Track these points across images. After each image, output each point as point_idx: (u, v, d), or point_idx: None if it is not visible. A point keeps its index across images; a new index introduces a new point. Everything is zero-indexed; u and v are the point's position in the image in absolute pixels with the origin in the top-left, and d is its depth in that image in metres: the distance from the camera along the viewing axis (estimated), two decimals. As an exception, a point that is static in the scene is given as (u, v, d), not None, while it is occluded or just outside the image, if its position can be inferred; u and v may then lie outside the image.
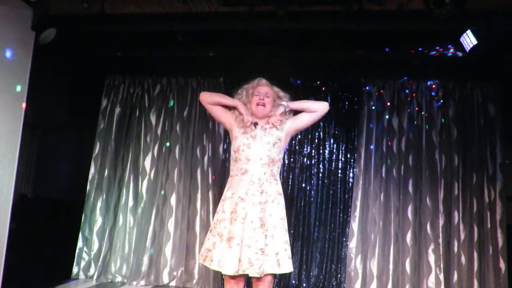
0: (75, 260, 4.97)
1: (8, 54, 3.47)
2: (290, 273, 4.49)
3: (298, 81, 5.02)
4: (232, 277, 2.52)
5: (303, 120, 2.80)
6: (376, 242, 4.61)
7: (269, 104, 2.72)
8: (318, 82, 5.04)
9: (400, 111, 4.77)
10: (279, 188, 2.67)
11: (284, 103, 2.76)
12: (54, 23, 3.82)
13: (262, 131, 2.68)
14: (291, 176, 4.97)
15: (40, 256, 4.80)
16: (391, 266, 4.55)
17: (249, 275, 2.48)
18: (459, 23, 3.69)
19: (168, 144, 5.04)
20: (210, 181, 4.91)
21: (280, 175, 2.79)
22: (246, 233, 2.50)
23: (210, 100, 2.83)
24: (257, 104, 2.70)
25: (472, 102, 4.69)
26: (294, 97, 2.92)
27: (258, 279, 2.51)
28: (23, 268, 4.54)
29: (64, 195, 5.39)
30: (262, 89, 2.75)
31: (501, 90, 4.66)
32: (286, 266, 2.54)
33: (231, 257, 2.47)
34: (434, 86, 4.77)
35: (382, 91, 4.83)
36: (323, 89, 5.04)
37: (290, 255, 2.59)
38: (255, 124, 2.69)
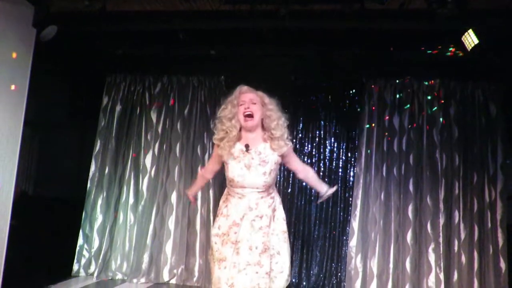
0: (76, 257, 4.99)
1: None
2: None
3: (299, 80, 5.01)
4: None
5: (290, 165, 2.75)
6: (377, 241, 4.61)
7: (257, 112, 2.52)
8: (319, 81, 5.04)
9: (401, 110, 4.77)
10: (275, 204, 2.62)
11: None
12: (55, 21, 3.81)
13: (257, 157, 2.51)
14: (291, 175, 4.97)
15: (41, 253, 4.80)
16: (391, 265, 4.55)
17: None
18: (461, 22, 3.68)
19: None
20: (210, 179, 4.90)
21: (277, 180, 2.74)
22: (247, 258, 2.45)
23: (199, 186, 3.04)
24: (245, 117, 2.50)
25: (473, 102, 4.68)
26: (290, 101, 2.84)
27: None
28: (23, 265, 4.54)
29: (65, 192, 5.39)
30: (246, 96, 2.54)
31: (502, 90, 4.65)
32: (290, 276, 2.60)
33: (220, 278, 2.46)
34: (435, 85, 4.76)
35: (383, 90, 4.82)
36: (324, 88, 5.04)
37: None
38: (247, 146, 2.51)
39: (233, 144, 2.55)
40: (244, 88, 2.59)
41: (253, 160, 2.52)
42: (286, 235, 2.62)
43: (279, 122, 2.54)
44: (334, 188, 2.81)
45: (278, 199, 2.67)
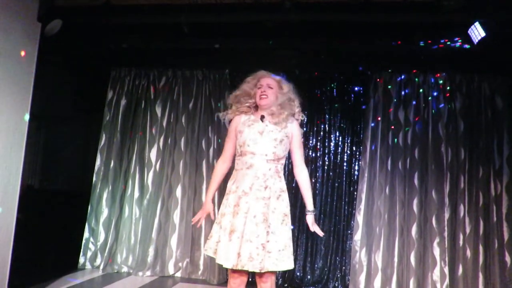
0: (82, 250, 5.02)
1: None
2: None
3: (304, 74, 4.99)
4: (235, 271, 2.52)
5: (291, 154, 2.77)
6: (381, 235, 4.61)
7: (273, 95, 2.68)
8: (324, 75, 5.02)
9: (406, 104, 4.74)
10: (282, 185, 2.66)
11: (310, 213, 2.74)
12: (59, 15, 3.82)
13: (271, 125, 2.65)
14: (296, 169, 4.97)
15: (47, 247, 4.85)
16: (396, 259, 4.55)
17: (249, 270, 2.48)
18: (467, 14, 3.65)
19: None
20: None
21: (284, 171, 2.76)
22: (247, 228, 2.49)
23: (218, 184, 2.96)
24: (261, 97, 2.67)
25: (480, 95, 4.65)
26: (298, 88, 2.85)
27: (260, 274, 2.51)
28: (30, 258, 4.60)
29: (71, 186, 5.43)
30: (264, 80, 2.72)
31: (509, 83, 4.61)
32: (288, 263, 2.54)
33: (231, 250, 2.47)
34: (441, 79, 4.73)
35: (388, 83, 4.79)
36: (329, 81, 5.02)
37: (292, 252, 2.59)
38: (262, 117, 2.66)
39: (246, 114, 2.73)
40: (263, 72, 2.77)
41: (266, 127, 2.65)
42: (288, 219, 2.61)
43: (287, 103, 2.70)
44: (320, 233, 2.74)
45: (285, 184, 2.70)
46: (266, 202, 2.55)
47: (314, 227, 2.72)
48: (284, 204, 2.62)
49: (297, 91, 2.82)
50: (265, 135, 2.62)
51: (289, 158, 2.86)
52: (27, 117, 3.59)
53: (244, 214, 2.53)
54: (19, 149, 3.54)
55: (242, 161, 2.65)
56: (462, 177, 4.56)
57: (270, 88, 2.69)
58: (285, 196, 2.66)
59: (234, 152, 2.78)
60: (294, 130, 2.72)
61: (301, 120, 2.81)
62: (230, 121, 2.81)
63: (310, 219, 2.73)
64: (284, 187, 2.68)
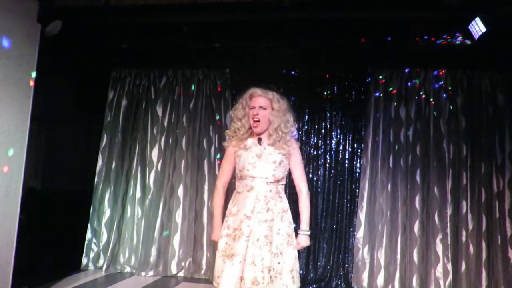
0: (84, 251, 5.03)
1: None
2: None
3: (304, 72, 4.99)
4: None
5: (291, 169, 2.73)
6: (384, 232, 4.60)
7: (265, 118, 2.62)
8: (325, 72, 5.01)
9: (407, 100, 4.73)
10: (284, 205, 2.63)
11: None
12: (59, 16, 3.82)
13: (268, 148, 2.62)
14: (297, 167, 4.96)
15: (49, 248, 4.85)
16: (398, 256, 4.55)
17: None
18: (468, 10, 3.64)
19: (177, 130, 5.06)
20: (217, 172, 4.92)
21: (285, 191, 2.73)
22: (250, 251, 2.47)
23: (222, 211, 2.72)
24: (254, 121, 2.62)
25: (481, 91, 4.64)
26: (296, 93, 2.80)
27: None
28: (33, 259, 4.60)
29: (72, 187, 5.43)
30: (256, 101, 2.63)
31: (510, 79, 4.59)
32: (297, 284, 2.54)
33: (233, 274, 2.45)
34: (442, 75, 4.72)
35: (389, 80, 4.78)
36: (330, 79, 5.02)
37: (298, 271, 2.58)
38: (259, 140, 2.64)
39: (244, 138, 2.68)
40: (256, 91, 2.66)
41: (264, 150, 2.62)
42: (291, 239, 2.60)
43: (278, 127, 2.62)
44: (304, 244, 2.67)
45: (287, 204, 2.67)
46: (269, 225, 2.53)
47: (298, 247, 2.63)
48: (287, 224, 2.60)
49: (290, 109, 2.71)
50: (264, 158, 2.59)
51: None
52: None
53: (246, 237, 2.50)
54: (21, 150, 3.55)
55: (243, 183, 2.63)
56: (464, 173, 4.55)
57: (263, 109, 2.62)
58: (287, 216, 2.63)
59: (231, 172, 2.74)
60: (292, 149, 2.67)
61: (296, 135, 2.76)
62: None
63: (302, 240, 2.63)
64: (286, 206, 2.65)
